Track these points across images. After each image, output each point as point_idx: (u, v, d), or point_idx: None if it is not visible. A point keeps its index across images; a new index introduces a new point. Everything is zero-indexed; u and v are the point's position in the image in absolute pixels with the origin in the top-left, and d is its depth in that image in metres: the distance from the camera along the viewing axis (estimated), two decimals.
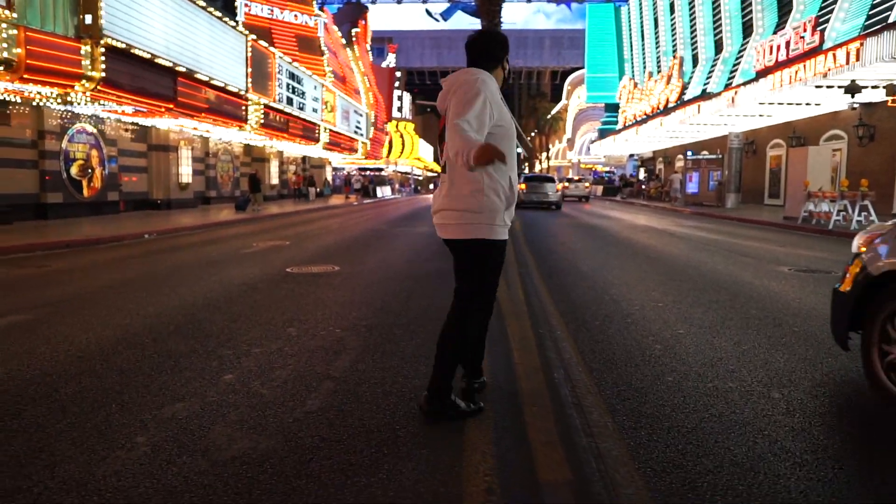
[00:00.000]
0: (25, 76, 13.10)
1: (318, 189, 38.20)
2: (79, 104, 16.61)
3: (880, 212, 18.31)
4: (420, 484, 2.47)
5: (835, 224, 15.46)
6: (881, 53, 15.58)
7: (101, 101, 16.16)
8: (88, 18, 14.20)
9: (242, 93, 23.38)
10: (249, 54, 23.84)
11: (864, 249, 3.72)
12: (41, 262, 9.50)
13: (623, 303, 6.26)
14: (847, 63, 16.91)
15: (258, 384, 3.68)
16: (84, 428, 3.03)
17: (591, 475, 2.55)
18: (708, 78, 34.90)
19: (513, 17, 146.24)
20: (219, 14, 21.46)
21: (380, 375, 3.84)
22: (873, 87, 18.31)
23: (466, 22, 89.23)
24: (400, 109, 69.78)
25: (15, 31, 12.59)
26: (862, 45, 16.33)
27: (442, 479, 2.51)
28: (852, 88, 17.85)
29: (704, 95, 30.44)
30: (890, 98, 16.18)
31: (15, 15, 12.45)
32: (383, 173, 62.04)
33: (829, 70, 17.69)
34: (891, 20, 17.74)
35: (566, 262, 9.53)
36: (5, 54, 12.38)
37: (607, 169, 67.89)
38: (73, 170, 18.25)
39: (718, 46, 34.88)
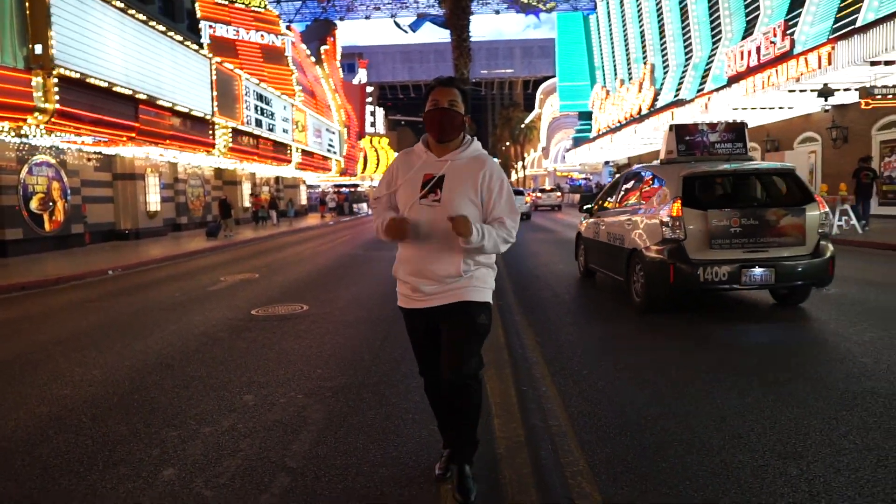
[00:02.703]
0: None
1: (279, 210, 35.11)
2: (34, 136, 15.93)
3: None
4: None
5: None
6: (852, 57, 15.49)
7: (58, 133, 15.51)
8: (39, 48, 13.59)
9: (209, 117, 22.78)
10: (214, 77, 23.27)
11: (581, 227, 10.09)
12: None
13: (613, 340, 5.85)
14: (819, 67, 16.83)
15: (201, 483, 3.18)
16: None
17: None
18: (679, 84, 34.99)
19: (480, 28, 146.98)
20: (180, 38, 20.89)
21: (342, 462, 3.36)
22: (845, 90, 18.26)
23: (436, 35, 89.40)
24: (373, 125, 69.43)
25: None
26: (833, 48, 16.25)
27: None
28: (825, 92, 17.80)
29: (678, 102, 30.44)
30: (863, 100, 16.08)
31: None
32: (359, 189, 61.53)
33: (801, 74, 17.60)
34: (859, 23, 17.73)
35: (548, 290, 9.11)
36: None
37: (583, 176, 68.05)
38: (33, 203, 17.50)
39: (688, 52, 34.99)
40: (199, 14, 30.48)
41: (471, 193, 2.79)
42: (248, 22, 32.05)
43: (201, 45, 26.51)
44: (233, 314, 7.89)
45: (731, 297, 7.83)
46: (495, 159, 2.95)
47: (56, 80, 13.87)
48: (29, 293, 10.72)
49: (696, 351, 5.40)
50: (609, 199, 9.10)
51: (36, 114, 13.73)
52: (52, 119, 14.10)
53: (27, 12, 13.56)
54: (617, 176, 10.56)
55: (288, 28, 36.75)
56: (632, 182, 8.52)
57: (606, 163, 53.98)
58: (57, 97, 13.95)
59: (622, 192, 8.65)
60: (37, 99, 13.66)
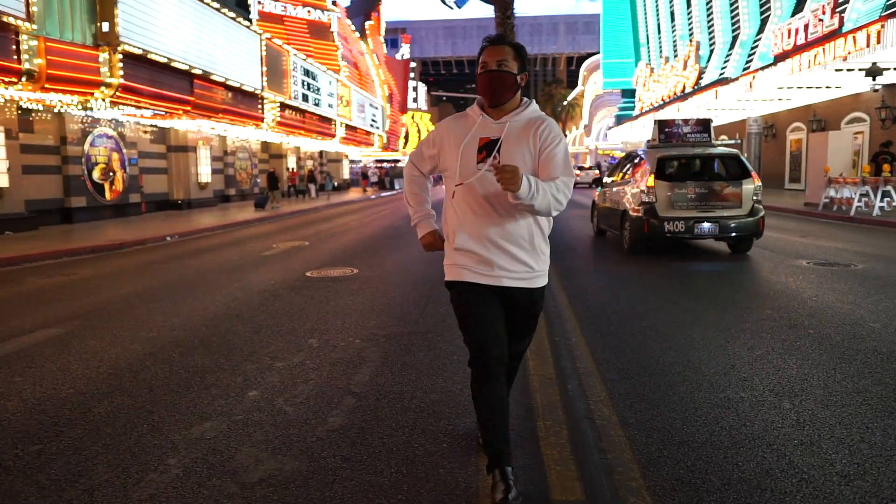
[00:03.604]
0: (46, 85, 13.37)
1: (318, 185, 35.04)
2: (97, 110, 16.89)
3: None
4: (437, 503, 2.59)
5: (856, 210, 15.26)
6: None
7: (121, 106, 16.43)
8: (106, 26, 14.43)
9: (258, 91, 23.59)
10: (264, 53, 24.02)
11: (595, 196, 12.21)
12: (68, 269, 9.75)
13: (638, 304, 6.32)
14: (868, 46, 16.63)
15: (282, 401, 3.82)
16: (118, 450, 3.18)
17: (602, 495, 2.65)
18: (725, 62, 34.44)
19: (528, 4, 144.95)
20: (232, 14, 21.63)
21: (398, 389, 3.96)
22: (895, 69, 17.99)
23: (480, 10, 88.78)
24: (415, 100, 69.81)
25: (35, 42, 12.84)
26: (883, 26, 16.04)
27: (458, 501, 2.62)
28: (873, 71, 17.56)
29: (722, 80, 30.06)
30: None
31: (35, 26, 12.70)
32: (400, 164, 62.21)
33: (849, 53, 17.40)
34: None
35: (583, 260, 9.63)
36: (27, 65, 12.63)
37: (624, 155, 67.32)
38: (96, 173, 18.58)
39: (735, 30, 34.37)
40: None
41: (529, 151, 2.59)
42: None
43: (250, 21, 27.27)
44: (289, 275, 8.58)
45: (744, 267, 8.21)
46: None
47: (121, 55, 14.72)
48: (98, 255, 11.62)
49: (717, 313, 5.84)
50: (615, 174, 11.59)
51: (102, 88, 14.61)
52: (117, 93, 14.98)
53: None
54: (622, 156, 12.59)
55: (333, 3, 37.28)
56: (630, 161, 10.92)
57: (647, 141, 53.44)
58: (121, 72, 14.82)
59: (623, 170, 11.06)
60: (103, 74, 14.54)
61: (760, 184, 9.54)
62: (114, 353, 4.96)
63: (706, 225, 9.04)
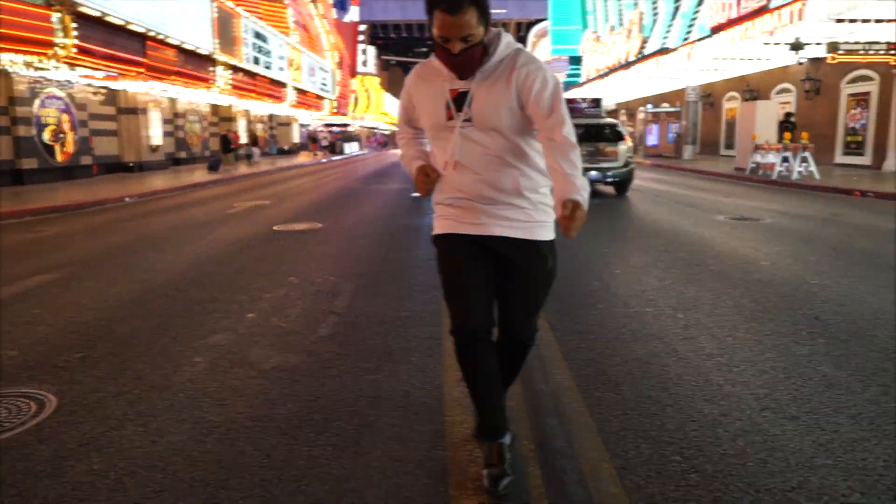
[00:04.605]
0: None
1: (262, 149, 34.32)
2: (48, 70, 16.81)
3: (824, 162, 19.68)
4: (412, 378, 3.46)
5: (778, 174, 16.69)
6: (820, 14, 16.60)
7: (75, 67, 16.42)
8: None
9: (210, 54, 23.57)
10: (215, 15, 23.93)
11: None
12: (35, 227, 10.11)
13: (573, 249, 7.29)
14: (791, 21, 17.92)
15: (276, 320, 4.61)
16: (150, 355, 3.93)
17: (532, 373, 3.56)
18: (667, 33, 35.71)
19: None
20: None
21: (372, 310, 4.80)
22: (817, 45, 19.40)
23: None
24: (364, 63, 69.32)
25: None
26: (804, 4, 17.32)
27: (427, 376, 3.49)
28: (796, 45, 18.92)
29: (663, 50, 31.33)
30: (829, 55, 17.29)
31: None
32: (350, 129, 62.06)
33: (774, 28, 18.69)
34: None
35: None
36: None
37: None
38: (46, 135, 18.49)
39: (677, 1, 35.59)
40: None
41: (506, 99, 2.21)
42: None
43: None
44: (258, 229, 9.24)
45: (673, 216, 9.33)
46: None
47: (74, 16, 14.76)
48: (60, 215, 11.93)
49: (639, 255, 6.85)
50: None
51: (56, 48, 14.65)
52: (71, 54, 15.03)
53: None
54: None
55: None
56: None
57: None
58: (76, 33, 14.87)
59: None
60: (56, 34, 14.57)
61: (632, 144, 13.10)
62: (115, 291, 5.62)
63: (593, 173, 12.40)
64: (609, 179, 12.99)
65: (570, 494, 2.36)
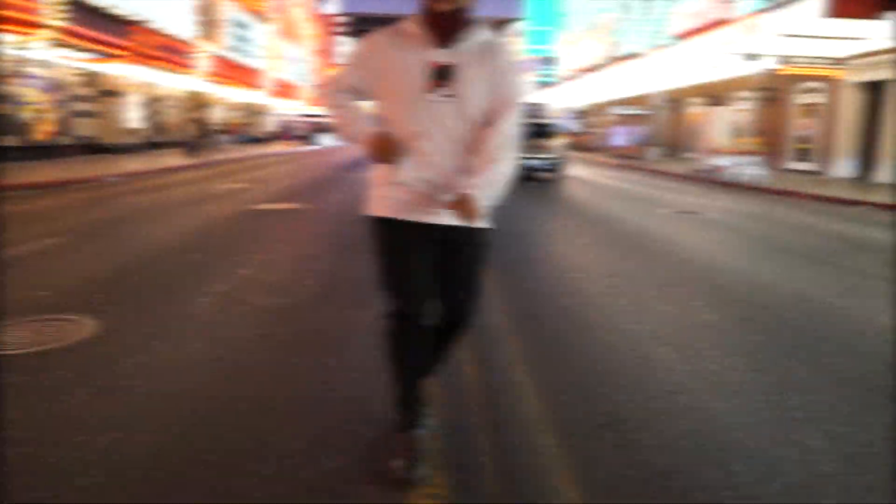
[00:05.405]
0: None
1: (232, 138, 34.06)
2: (34, 49, 17.22)
3: (776, 166, 20.98)
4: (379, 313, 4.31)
5: (730, 176, 17.88)
6: (772, 28, 17.84)
7: (62, 49, 16.88)
8: None
9: (192, 40, 24.03)
10: (198, 2, 24.38)
11: None
12: (27, 201, 10.67)
13: (531, 233, 8.23)
14: (748, 35, 19.15)
15: (266, 275, 5.43)
16: (167, 293, 4.73)
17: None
18: (639, 38, 36.98)
19: None
20: None
21: (349, 274, 5.63)
22: (771, 57, 20.66)
23: None
24: (343, 55, 69.58)
25: None
26: (758, 19, 18.55)
27: None
28: (752, 57, 20.17)
29: (633, 55, 32.56)
30: (780, 67, 18.55)
31: None
32: (325, 121, 62.23)
33: (733, 41, 19.91)
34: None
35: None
36: None
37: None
38: (27, 114, 18.87)
39: (649, 6, 36.87)
40: None
41: (485, 87, 2.22)
42: None
43: None
44: (242, 208, 9.99)
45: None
46: None
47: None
48: (46, 191, 12.46)
49: (586, 237, 7.79)
50: None
51: (44, 30, 15.13)
52: (58, 36, 15.52)
53: None
54: None
55: None
56: None
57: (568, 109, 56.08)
58: (63, 15, 15.35)
59: None
60: (45, 16, 15.05)
61: (564, 141, 16.23)
62: (120, 253, 6.37)
63: (534, 161, 15.44)
64: (546, 166, 16.05)
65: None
